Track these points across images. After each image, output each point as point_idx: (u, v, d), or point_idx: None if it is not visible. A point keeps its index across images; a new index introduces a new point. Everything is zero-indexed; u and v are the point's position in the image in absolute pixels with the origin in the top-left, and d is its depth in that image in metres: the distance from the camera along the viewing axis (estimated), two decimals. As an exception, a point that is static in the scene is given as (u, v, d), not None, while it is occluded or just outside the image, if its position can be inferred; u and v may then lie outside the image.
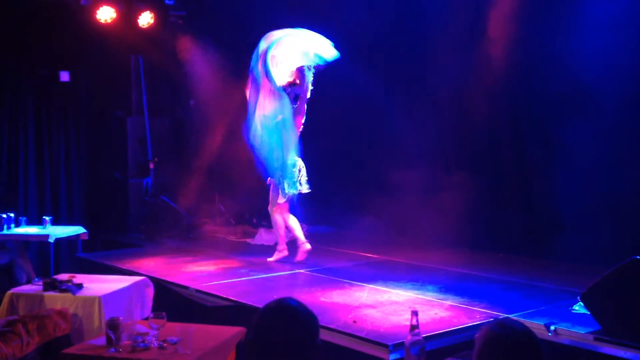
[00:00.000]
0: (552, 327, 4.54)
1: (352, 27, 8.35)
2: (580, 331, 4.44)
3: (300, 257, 6.94)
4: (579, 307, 4.82)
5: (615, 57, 6.51)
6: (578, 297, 4.74)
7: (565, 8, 6.88)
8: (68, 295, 4.97)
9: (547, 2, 7.12)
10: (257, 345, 2.14)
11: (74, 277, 5.30)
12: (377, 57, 8.62)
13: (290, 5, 8.85)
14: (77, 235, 7.63)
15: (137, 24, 9.03)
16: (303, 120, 6.81)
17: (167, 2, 9.31)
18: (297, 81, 6.73)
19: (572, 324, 4.58)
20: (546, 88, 7.20)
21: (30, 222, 7.66)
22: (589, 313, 4.52)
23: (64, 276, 5.35)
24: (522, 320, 4.68)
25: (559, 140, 7.06)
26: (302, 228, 8.81)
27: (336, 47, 6.74)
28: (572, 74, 6.74)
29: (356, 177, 8.89)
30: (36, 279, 5.41)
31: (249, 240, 8.58)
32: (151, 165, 9.43)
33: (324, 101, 7.41)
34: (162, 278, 6.23)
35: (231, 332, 4.17)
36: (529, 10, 7.11)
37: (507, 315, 4.83)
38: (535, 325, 4.59)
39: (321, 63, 6.64)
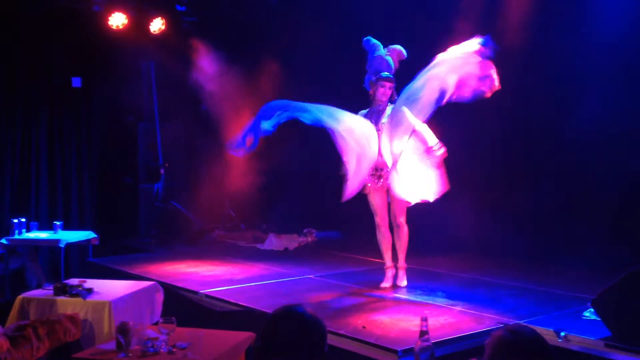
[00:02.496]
0: (563, 333, 4.51)
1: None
2: (590, 337, 4.41)
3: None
4: (589, 313, 4.79)
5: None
6: (589, 303, 4.72)
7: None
8: (78, 300, 4.98)
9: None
10: (264, 352, 2.14)
11: (84, 281, 5.31)
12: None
13: (302, 11, 8.91)
14: (88, 240, 7.66)
15: (148, 30, 9.09)
16: None
17: (178, 8, 9.37)
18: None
19: (582, 330, 4.56)
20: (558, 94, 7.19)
21: (41, 227, 7.69)
22: (599, 319, 4.50)
23: (74, 281, 5.36)
24: (532, 326, 4.66)
25: (573, 146, 7.05)
26: (312, 233, 8.83)
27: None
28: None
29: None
30: (47, 284, 5.43)
31: (258, 245, 8.59)
32: (162, 171, 9.46)
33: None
34: (172, 283, 6.25)
35: (240, 337, 4.17)
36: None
37: (517, 322, 4.81)
38: (546, 331, 4.57)
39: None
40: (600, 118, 6.67)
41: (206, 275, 6.71)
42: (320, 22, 8.76)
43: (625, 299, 4.29)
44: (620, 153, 6.70)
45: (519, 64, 7.21)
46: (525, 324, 4.58)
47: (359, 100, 6.97)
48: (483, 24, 7.51)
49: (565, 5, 7.04)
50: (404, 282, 6.10)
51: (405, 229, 6.07)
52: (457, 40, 6.01)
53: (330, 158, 7.02)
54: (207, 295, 5.86)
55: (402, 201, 5.91)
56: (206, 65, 9.35)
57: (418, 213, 7.97)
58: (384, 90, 5.88)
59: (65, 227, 7.78)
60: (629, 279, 4.27)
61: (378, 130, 5.86)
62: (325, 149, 7.07)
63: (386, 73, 5.92)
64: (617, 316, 4.35)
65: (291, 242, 8.59)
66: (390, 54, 6.06)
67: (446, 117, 7.97)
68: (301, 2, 9.14)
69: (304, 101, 7.99)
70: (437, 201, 7.96)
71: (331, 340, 4.32)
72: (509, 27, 7.25)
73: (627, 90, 6.62)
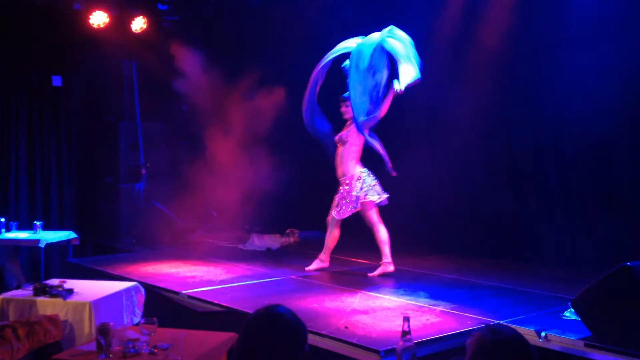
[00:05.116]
0: (543, 333, 4.55)
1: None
2: (570, 337, 4.45)
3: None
4: (569, 313, 4.83)
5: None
6: (569, 303, 4.76)
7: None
8: (58, 300, 4.94)
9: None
10: (245, 352, 2.13)
11: (64, 282, 5.27)
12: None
13: (284, 12, 8.90)
14: (68, 240, 7.60)
15: (130, 28, 9.03)
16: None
17: (160, 7, 9.31)
18: None
19: (562, 330, 4.60)
20: (538, 96, 7.23)
21: (21, 227, 7.62)
22: (579, 319, 4.54)
23: (54, 281, 5.32)
24: (513, 326, 4.69)
25: (553, 149, 7.11)
26: (294, 234, 8.82)
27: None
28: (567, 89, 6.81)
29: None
30: (26, 284, 5.36)
31: (240, 245, 8.57)
32: (143, 170, 9.40)
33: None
34: (153, 283, 6.21)
35: (222, 338, 4.16)
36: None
37: (498, 322, 4.84)
38: (526, 331, 4.60)
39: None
40: (584, 123, 6.74)
41: (188, 275, 6.68)
42: (302, 22, 8.75)
43: (604, 299, 4.33)
44: (602, 156, 6.74)
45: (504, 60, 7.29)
46: (506, 324, 4.61)
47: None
48: (462, 22, 7.60)
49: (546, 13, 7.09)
50: (375, 273, 6.60)
51: (376, 229, 6.61)
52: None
53: (314, 158, 7.05)
54: (188, 296, 5.83)
55: (365, 204, 6.54)
56: (187, 64, 9.31)
57: (401, 213, 8.04)
58: (344, 109, 6.69)
59: (46, 227, 7.70)
60: (609, 279, 4.31)
61: (338, 143, 6.68)
62: (310, 150, 7.11)
63: (347, 93, 6.55)
64: (597, 316, 4.39)
65: (273, 242, 8.57)
66: None
67: (425, 120, 8.07)
68: (283, 3, 9.13)
69: (287, 101, 8.04)
70: (420, 203, 8.04)
71: (313, 340, 4.32)
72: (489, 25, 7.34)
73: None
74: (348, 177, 6.61)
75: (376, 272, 6.60)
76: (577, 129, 6.81)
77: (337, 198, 6.68)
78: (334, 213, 6.67)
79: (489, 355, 2.11)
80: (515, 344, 2.12)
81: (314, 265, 6.88)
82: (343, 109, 6.70)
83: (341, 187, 6.65)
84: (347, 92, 6.51)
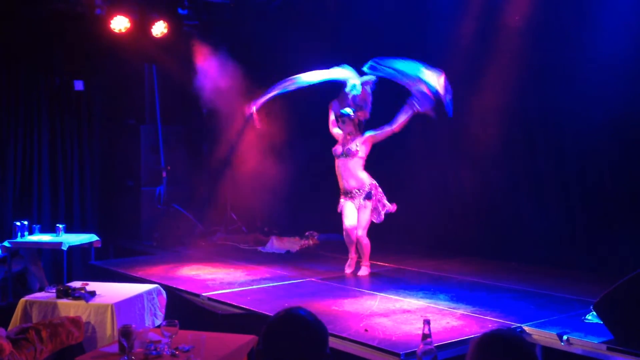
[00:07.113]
0: (565, 337, 4.52)
1: (358, 39, 8.40)
2: (593, 341, 4.42)
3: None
4: (591, 317, 4.79)
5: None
6: (591, 307, 4.72)
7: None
8: (81, 302, 4.99)
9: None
10: (266, 355, 2.14)
11: (86, 284, 5.32)
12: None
13: (304, 15, 8.91)
14: (90, 243, 7.66)
15: (150, 33, 9.10)
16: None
17: (180, 11, 9.37)
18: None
19: (584, 333, 4.56)
20: (560, 97, 7.18)
21: (43, 230, 7.70)
22: (601, 322, 4.50)
23: (77, 284, 5.37)
24: (534, 329, 4.69)
25: (573, 150, 7.05)
26: (314, 236, 8.85)
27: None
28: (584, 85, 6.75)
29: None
30: (49, 287, 5.43)
31: (259, 248, 8.59)
32: (164, 173, 9.47)
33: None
34: (174, 286, 6.25)
35: (243, 341, 4.18)
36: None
37: (518, 325, 4.82)
38: (548, 334, 4.58)
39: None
40: (606, 127, 6.68)
41: (208, 278, 6.71)
42: (323, 26, 8.78)
43: (627, 302, 4.29)
44: (626, 158, 6.67)
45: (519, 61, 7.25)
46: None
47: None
48: (484, 25, 7.57)
49: (566, 12, 7.03)
50: (363, 272, 6.87)
51: (363, 242, 6.83)
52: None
53: (332, 160, 7.04)
54: (209, 298, 5.86)
55: (362, 216, 6.76)
56: (207, 68, 9.36)
57: (421, 216, 8.01)
58: (342, 126, 6.82)
59: (68, 230, 7.78)
60: (631, 282, 4.27)
61: (346, 156, 6.77)
62: (328, 151, 7.11)
63: (345, 110, 6.78)
64: (619, 319, 4.35)
65: (293, 245, 8.59)
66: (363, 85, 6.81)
67: (445, 123, 8.02)
68: (303, 6, 9.15)
69: (304, 105, 8.06)
70: (440, 206, 7.99)
71: (333, 343, 4.33)
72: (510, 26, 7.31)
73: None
74: (371, 186, 6.77)
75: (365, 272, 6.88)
76: (598, 133, 6.74)
77: (370, 205, 6.74)
78: (374, 219, 6.80)
79: (489, 356, 2.11)
80: (514, 345, 2.12)
81: (364, 270, 6.94)
82: (340, 124, 6.82)
83: (362, 197, 6.75)
84: (346, 109, 6.76)
